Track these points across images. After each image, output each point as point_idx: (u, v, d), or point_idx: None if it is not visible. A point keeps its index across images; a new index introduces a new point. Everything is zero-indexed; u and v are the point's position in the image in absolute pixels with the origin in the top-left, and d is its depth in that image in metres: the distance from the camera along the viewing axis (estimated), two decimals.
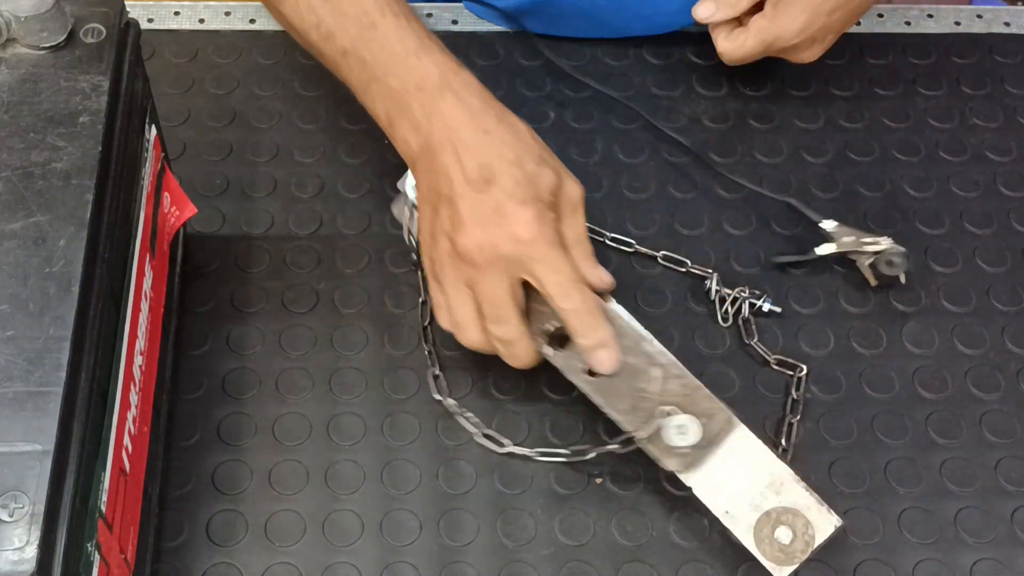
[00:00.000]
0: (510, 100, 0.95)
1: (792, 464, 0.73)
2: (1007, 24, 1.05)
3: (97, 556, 0.59)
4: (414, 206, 0.79)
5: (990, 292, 0.88)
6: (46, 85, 0.66)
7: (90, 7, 0.69)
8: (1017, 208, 0.93)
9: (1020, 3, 1.48)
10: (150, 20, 0.99)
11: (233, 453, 0.77)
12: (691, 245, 0.88)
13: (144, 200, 0.72)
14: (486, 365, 0.80)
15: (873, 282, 0.86)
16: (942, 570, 0.75)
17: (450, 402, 0.79)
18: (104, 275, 0.61)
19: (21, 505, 0.52)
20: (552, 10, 0.97)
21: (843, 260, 0.87)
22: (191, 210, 0.81)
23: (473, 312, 0.74)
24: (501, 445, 0.77)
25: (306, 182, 0.90)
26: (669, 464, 0.72)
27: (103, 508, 0.60)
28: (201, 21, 1.00)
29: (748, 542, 0.70)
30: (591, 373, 0.74)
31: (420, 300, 0.83)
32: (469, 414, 0.78)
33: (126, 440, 0.65)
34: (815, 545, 0.69)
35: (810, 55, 0.92)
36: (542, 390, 0.80)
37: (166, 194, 0.79)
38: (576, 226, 0.75)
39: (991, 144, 0.96)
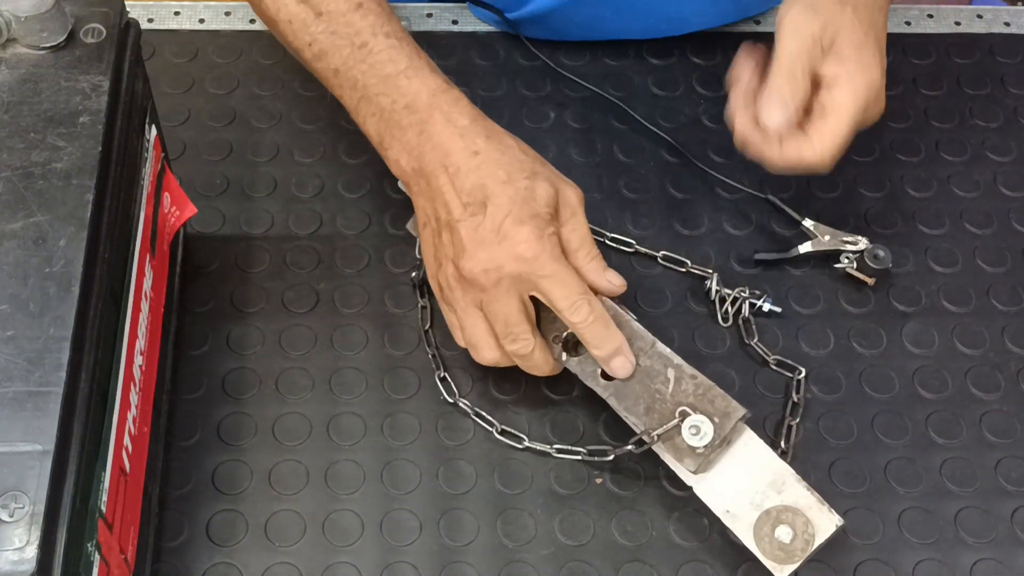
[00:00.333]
0: (510, 100, 0.96)
1: (792, 464, 0.73)
2: (1007, 24, 1.05)
3: (97, 556, 0.59)
4: None
5: (990, 292, 0.88)
6: (46, 85, 0.66)
7: (90, 7, 0.69)
8: (1017, 208, 0.93)
9: (1020, 3, 1.48)
10: (150, 20, 0.99)
11: (233, 453, 0.77)
12: (691, 245, 0.88)
13: (144, 200, 0.72)
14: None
15: (870, 281, 0.86)
16: (942, 570, 0.75)
17: (464, 403, 0.79)
18: (104, 275, 0.61)
19: (21, 505, 0.52)
20: (554, 22, 0.97)
21: (828, 261, 0.87)
22: (191, 210, 0.81)
23: (486, 332, 0.74)
24: (520, 441, 0.78)
25: (306, 182, 0.90)
26: (687, 464, 0.72)
27: (103, 508, 0.60)
28: (201, 21, 1.00)
29: (748, 541, 0.70)
30: (605, 376, 0.74)
31: (420, 304, 0.83)
32: (483, 413, 0.79)
33: (126, 440, 0.65)
34: (815, 544, 0.69)
35: (881, 108, 0.79)
36: (542, 390, 0.80)
37: (166, 194, 0.79)
38: (579, 229, 0.75)
39: (991, 144, 0.96)
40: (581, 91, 0.96)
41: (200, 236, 0.87)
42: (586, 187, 0.91)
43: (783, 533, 0.69)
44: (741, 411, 0.71)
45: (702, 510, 0.73)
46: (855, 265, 0.86)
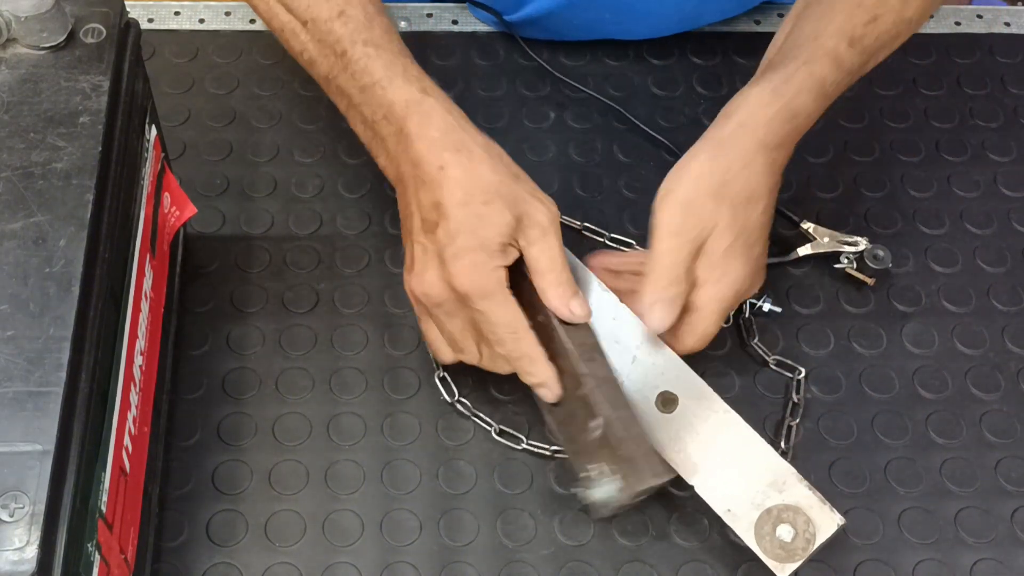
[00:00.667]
0: (510, 100, 0.96)
1: (792, 464, 0.73)
2: (1007, 24, 1.05)
3: (97, 556, 0.59)
4: None
5: (990, 292, 0.88)
6: (46, 85, 0.66)
7: (90, 7, 0.69)
8: (1017, 208, 0.93)
9: (1020, 3, 1.48)
10: (150, 20, 0.99)
11: (233, 453, 0.77)
12: None
13: (144, 200, 0.72)
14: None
15: (870, 281, 0.86)
16: (942, 570, 0.75)
17: (463, 402, 0.79)
18: (104, 275, 0.61)
19: (21, 505, 0.52)
20: (553, 24, 0.97)
21: (828, 261, 0.87)
22: (191, 210, 0.81)
23: (438, 338, 0.75)
24: (519, 442, 0.78)
25: (306, 182, 0.90)
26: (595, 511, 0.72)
27: (103, 508, 0.60)
28: (201, 21, 1.00)
29: (749, 540, 0.70)
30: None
31: None
32: (480, 414, 0.79)
33: (126, 440, 0.65)
34: (816, 543, 0.69)
35: (758, 286, 0.79)
36: None
37: (166, 194, 0.79)
38: (548, 251, 0.72)
39: (991, 144, 0.96)
40: (581, 91, 0.96)
41: (200, 236, 0.87)
42: (586, 187, 0.91)
43: (784, 532, 0.69)
44: (663, 467, 0.70)
45: (702, 510, 0.73)
46: (855, 265, 0.86)
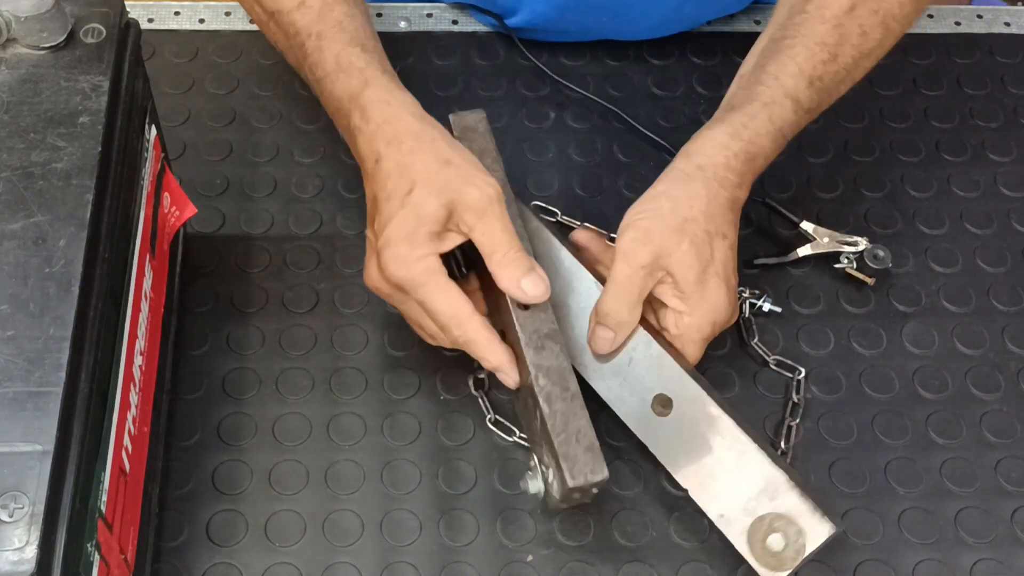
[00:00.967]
0: (510, 100, 0.96)
1: (792, 464, 0.73)
2: (1007, 24, 1.05)
3: (97, 556, 0.59)
4: None
5: (990, 292, 0.88)
6: (46, 85, 0.66)
7: (90, 7, 0.69)
8: (1017, 208, 0.93)
9: (1020, 3, 1.48)
10: (150, 20, 0.99)
11: (233, 453, 0.77)
12: None
13: (144, 200, 0.72)
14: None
15: (870, 281, 0.86)
16: (942, 570, 0.75)
17: (468, 384, 0.79)
18: (104, 275, 0.61)
19: (21, 505, 0.52)
20: (552, 27, 0.97)
21: (828, 261, 0.87)
22: (191, 210, 0.81)
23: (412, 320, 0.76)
24: (511, 433, 0.78)
25: (306, 182, 0.90)
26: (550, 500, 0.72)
27: (103, 508, 0.60)
28: (201, 21, 1.00)
29: (742, 546, 0.70)
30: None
31: None
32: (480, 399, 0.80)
33: (126, 440, 0.65)
34: (806, 553, 0.69)
35: (735, 316, 0.78)
36: None
37: (166, 194, 0.79)
38: (491, 232, 0.71)
39: (991, 144, 0.96)
40: (580, 92, 0.96)
41: (200, 236, 0.87)
42: (586, 187, 0.91)
43: (775, 541, 0.69)
44: (587, 479, 0.68)
45: (702, 510, 0.73)
46: (855, 265, 0.86)
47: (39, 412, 0.55)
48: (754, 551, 0.69)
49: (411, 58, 0.98)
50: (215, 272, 0.85)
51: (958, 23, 1.05)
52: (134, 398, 0.68)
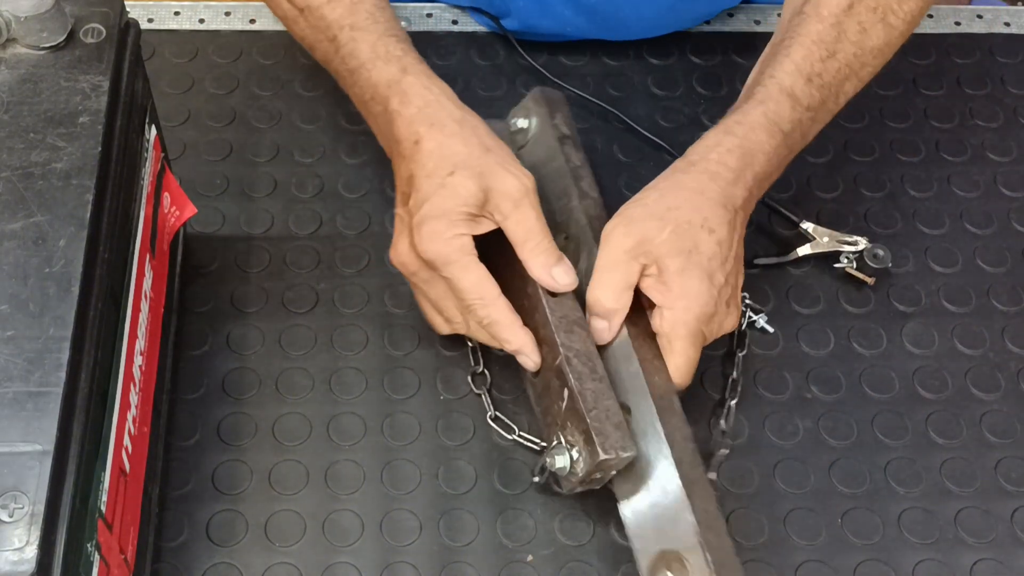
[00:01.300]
0: (510, 100, 0.95)
1: (793, 464, 0.73)
2: (1007, 24, 1.05)
3: (97, 556, 0.59)
4: None
5: (990, 292, 0.88)
6: (46, 85, 0.66)
7: (90, 7, 0.69)
8: (1017, 208, 0.93)
9: (1020, 3, 1.48)
10: (150, 20, 0.99)
11: (233, 453, 0.77)
12: None
13: (144, 200, 0.72)
14: (485, 363, 0.80)
15: (870, 280, 0.86)
16: (942, 570, 0.75)
17: (468, 382, 0.80)
18: (104, 275, 0.61)
19: (21, 505, 0.52)
20: (550, 32, 0.97)
21: (828, 261, 0.87)
22: (191, 210, 0.81)
23: (432, 310, 0.78)
24: (511, 431, 0.78)
25: (306, 182, 0.90)
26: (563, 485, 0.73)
27: (103, 508, 0.60)
28: (201, 21, 1.00)
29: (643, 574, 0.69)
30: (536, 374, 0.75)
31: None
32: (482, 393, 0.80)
33: (126, 440, 0.65)
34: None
35: (732, 321, 0.76)
36: None
37: (166, 194, 0.79)
38: (524, 222, 0.73)
39: (991, 144, 0.96)
40: (580, 92, 0.96)
41: (200, 236, 0.87)
42: None
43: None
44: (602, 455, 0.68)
45: None
46: (855, 265, 0.86)
47: (39, 412, 0.55)
48: None
49: None
50: (215, 272, 0.85)
51: (958, 23, 1.05)
52: (134, 398, 0.68)
